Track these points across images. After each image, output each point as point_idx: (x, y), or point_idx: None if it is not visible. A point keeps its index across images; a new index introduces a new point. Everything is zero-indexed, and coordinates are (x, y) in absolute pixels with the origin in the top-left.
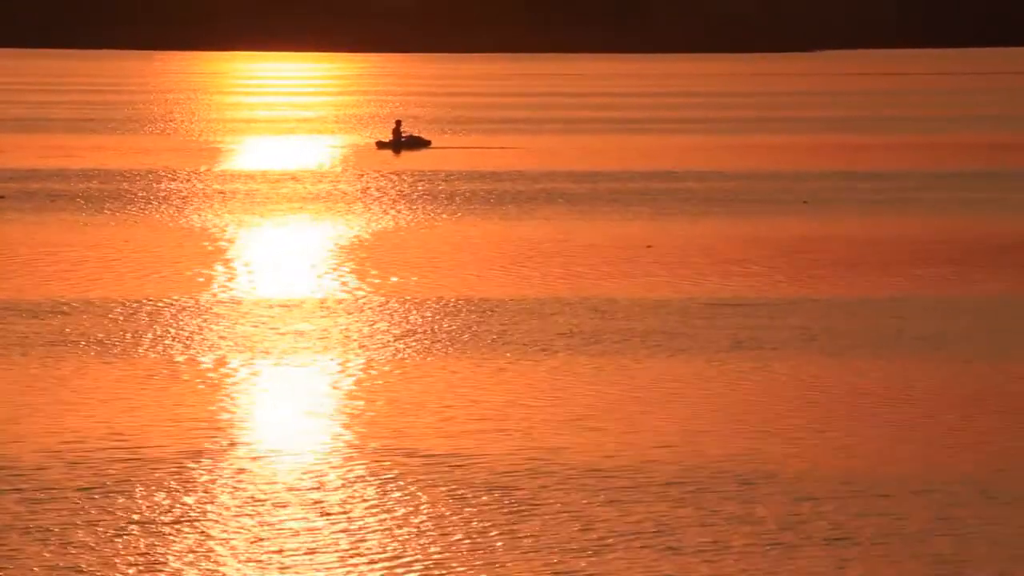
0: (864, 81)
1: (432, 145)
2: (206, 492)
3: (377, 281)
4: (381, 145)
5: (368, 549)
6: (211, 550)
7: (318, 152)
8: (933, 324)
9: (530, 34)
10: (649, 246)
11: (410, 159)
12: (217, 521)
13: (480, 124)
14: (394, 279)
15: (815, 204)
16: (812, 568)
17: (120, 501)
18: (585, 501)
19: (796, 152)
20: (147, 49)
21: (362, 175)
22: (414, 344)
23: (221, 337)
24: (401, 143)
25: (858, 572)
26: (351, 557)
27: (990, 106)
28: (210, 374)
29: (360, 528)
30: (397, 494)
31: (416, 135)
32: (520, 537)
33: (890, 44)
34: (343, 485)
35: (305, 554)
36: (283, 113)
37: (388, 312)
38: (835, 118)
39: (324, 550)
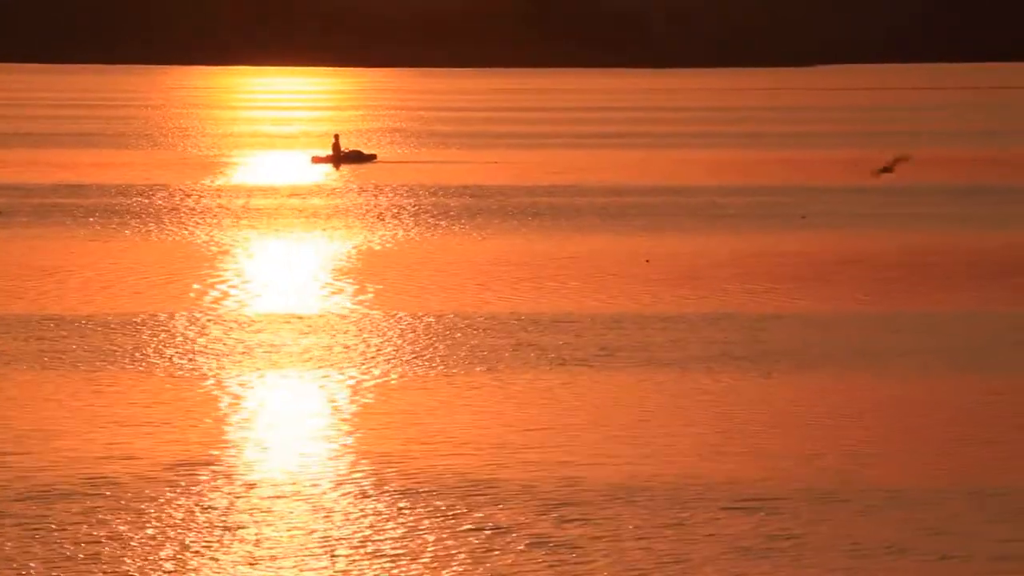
0: (857, 96)
1: (377, 159)
2: (199, 505)
3: (333, 296)
4: (317, 160)
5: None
6: (203, 563)
7: (249, 168)
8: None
9: (531, 49)
10: (648, 260)
11: (348, 173)
12: (211, 532)
13: (431, 138)
14: (334, 294)
15: (725, 218)
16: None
17: (111, 513)
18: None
19: (702, 165)
20: (145, 64)
21: (287, 189)
22: (384, 360)
23: (186, 354)
24: (341, 157)
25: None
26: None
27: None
28: (171, 387)
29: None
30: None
31: (358, 150)
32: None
33: (892, 59)
34: (331, 494)
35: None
36: (224, 129)
37: (358, 328)
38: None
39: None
